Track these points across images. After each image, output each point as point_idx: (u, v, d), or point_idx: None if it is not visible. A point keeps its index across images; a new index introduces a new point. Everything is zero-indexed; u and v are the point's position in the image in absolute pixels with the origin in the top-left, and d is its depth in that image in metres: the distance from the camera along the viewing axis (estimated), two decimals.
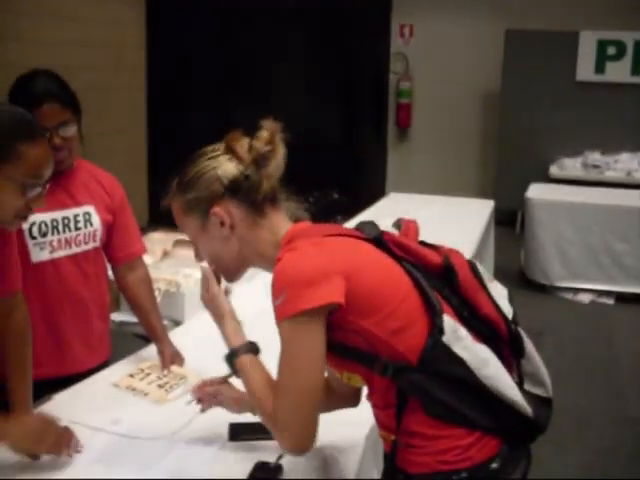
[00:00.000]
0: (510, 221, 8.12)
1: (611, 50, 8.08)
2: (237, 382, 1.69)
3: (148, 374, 2.32)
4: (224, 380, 1.84)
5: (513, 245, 6.96)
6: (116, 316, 2.95)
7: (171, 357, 2.34)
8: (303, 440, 1.47)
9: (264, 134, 1.55)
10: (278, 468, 1.76)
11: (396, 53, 9.26)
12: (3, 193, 1.63)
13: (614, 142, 8.12)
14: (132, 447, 1.90)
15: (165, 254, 3.31)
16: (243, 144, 1.56)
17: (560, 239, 6.20)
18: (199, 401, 1.87)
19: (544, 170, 8.06)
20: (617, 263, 6.11)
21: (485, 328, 1.56)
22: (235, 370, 1.60)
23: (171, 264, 3.17)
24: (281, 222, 1.59)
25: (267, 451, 1.82)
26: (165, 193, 1.63)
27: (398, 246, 1.57)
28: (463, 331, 1.50)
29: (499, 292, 1.63)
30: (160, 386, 2.24)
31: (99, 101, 6.51)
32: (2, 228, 1.79)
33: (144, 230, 2.66)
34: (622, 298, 6.14)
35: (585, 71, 8.15)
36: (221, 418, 1.90)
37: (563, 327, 5.58)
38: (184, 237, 3.43)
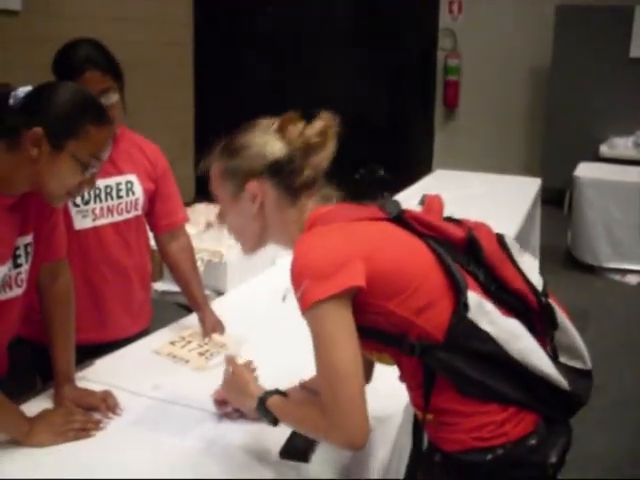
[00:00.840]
0: (558, 201, 7.98)
1: None
2: None
3: (189, 342, 2.33)
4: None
5: (560, 225, 6.84)
6: (159, 285, 2.98)
7: (212, 325, 2.36)
8: (356, 430, 1.40)
9: (318, 124, 1.54)
10: None
11: (444, 29, 9.14)
12: (65, 168, 1.68)
13: None
14: (170, 412, 1.92)
15: (208, 225, 3.32)
16: (296, 128, 1.54)
17: (608, 219, 6.07)
18: (219, 404, 1.89)
19: (594, 149, 7.89)
20: None
21: (515, 302, 1.53)
22: (270, 415, 1.61)
23: (214, 235, 3.18)
24: (310, 206, 1.57)
25: None
26: (209, 154, 1.62)
27: (419, 222, 1.55)
28: (489, 306, 1.47)
29: (529, 264, 1.60)
30: (200, 354, 2.26)
31: (146, 77, 6.54)
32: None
33: (189, 205, 2.69)
34: None
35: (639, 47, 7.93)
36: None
37: (610, 308, 5.48)
38: None
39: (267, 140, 1.54)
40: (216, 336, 2.34)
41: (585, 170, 6.47)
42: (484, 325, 1.44)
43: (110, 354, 2.25)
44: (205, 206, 3.57)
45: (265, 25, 7.99)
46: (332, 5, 8.13)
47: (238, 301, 2.78)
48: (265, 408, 1.60)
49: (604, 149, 7.93)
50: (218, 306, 2.54)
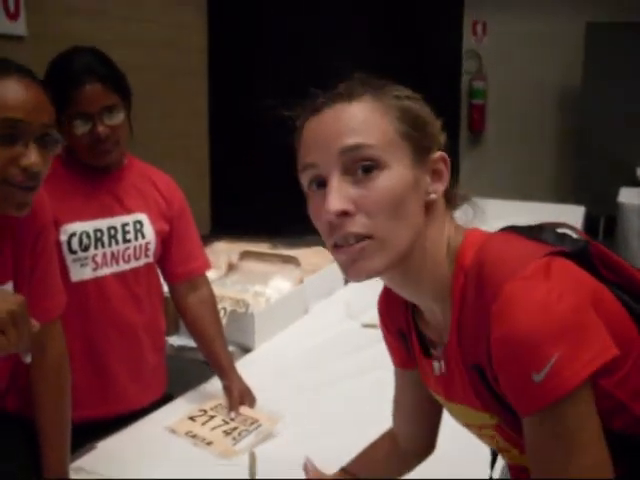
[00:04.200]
0: (592, 228, 7.55)
1: None
2: None
3: (212, 417, 1.92)
4: None
5: None
6: (174, 340, 2.52)
7: (240, 395, 1.94)
8: None
9: None
10: None
11: (468, 51, 8.79)
12: None
13: None
14: None
15: (231, 267, 2.87)
16: None
17: None
18: None
19: (630, 173, 7.47)
20: None
21: None
22: None
23: (238, 280, 2.73)
24: (447, 226, 1.08)
25: None
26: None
27: (605, 263, 1.08)
28: None
29: None
30: (226, 433, 1.84)
31: (160, 104, 6.25)
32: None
33: (205, 239, 2.27)
34: None
35: None
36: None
37: None
38: (252, 248, 3.05)
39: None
40: (245, 409, 1.92)
41: (629, 196, 6.07)
42: None
43: (115, 435, 1.82)
44: (225, 244, 3.15)
45: (282, 51, 7.67)
46: (351, 25, 7.81)
47: (269, 360, 2.35)
48: None
49: None
50: (245, 366, 2.14)
